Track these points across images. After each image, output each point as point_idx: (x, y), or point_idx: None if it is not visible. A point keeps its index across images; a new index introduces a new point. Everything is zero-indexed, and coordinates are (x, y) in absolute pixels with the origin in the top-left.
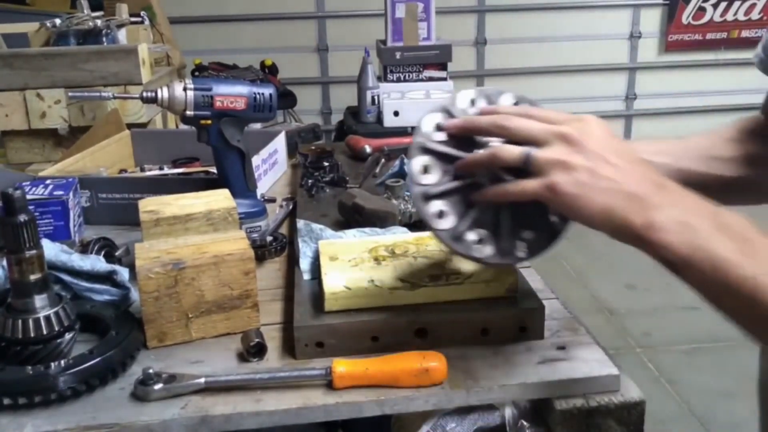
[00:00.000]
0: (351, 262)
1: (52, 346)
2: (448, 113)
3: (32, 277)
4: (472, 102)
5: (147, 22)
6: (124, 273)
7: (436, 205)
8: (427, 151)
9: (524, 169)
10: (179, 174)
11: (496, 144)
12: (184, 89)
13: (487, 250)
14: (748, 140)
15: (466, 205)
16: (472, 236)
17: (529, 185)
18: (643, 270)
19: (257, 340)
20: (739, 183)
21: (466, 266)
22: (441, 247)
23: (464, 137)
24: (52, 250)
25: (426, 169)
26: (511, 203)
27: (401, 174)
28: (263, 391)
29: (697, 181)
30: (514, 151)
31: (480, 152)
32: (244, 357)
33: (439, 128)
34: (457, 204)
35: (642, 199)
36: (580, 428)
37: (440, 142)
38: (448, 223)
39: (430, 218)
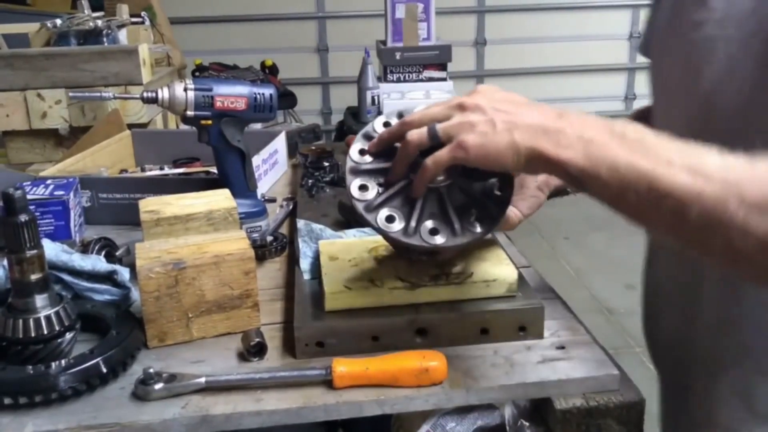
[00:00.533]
0: (351, 262)
1: (52, 345)
2: (369, 137)
3: (33, 277)
4: (386, 124)
5: (147, 22)
6: (124, 273)
7: (383, 213)
8: (359, 173)
9: (437, 144)
10: (180, 174)
11: None
12: (185, 89)
13: (441, 238)
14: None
15: (410, 204)
16: (424, 229)
17: (441, 153)
18: None
19: (257, 339)
20: None
21: (466, 266)
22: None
23: (388, 152)
24: (52, 249)
25: (363, 188)
26: (451, 188)
27: None
28: (263, 391)
29: None
30: (420, 132)
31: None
32: (244, 357)
33: (362, 152)
34: (401, 206)
35: (543, 126)
36: (579, 428)
37: (369, 163)
38: (398, 225)
39: (382, 226)
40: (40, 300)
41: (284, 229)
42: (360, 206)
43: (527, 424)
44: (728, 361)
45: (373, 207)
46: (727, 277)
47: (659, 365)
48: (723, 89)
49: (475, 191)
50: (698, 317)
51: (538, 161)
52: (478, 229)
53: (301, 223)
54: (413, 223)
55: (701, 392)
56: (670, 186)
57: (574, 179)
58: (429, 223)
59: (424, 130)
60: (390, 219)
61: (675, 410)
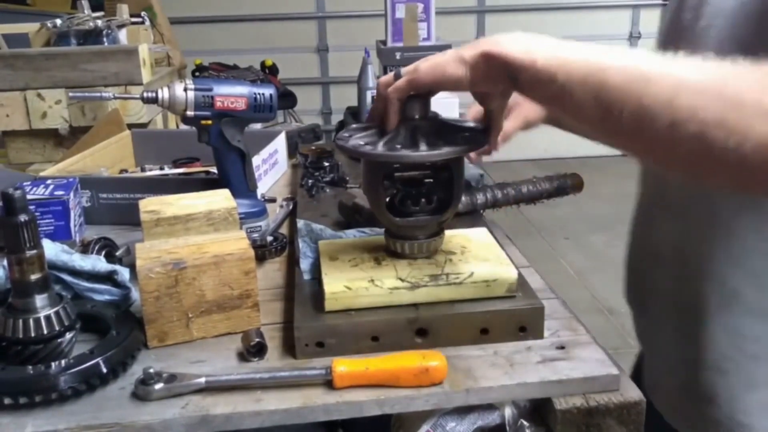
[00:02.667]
0: (351, 262)
1: (52, 345)
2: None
3: (33, 277)
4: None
5: (147, 22)
6: (124, 273)
7: (354, 140)
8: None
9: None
10: (180, 174)
11: None
12: (185, 89)
13: (406, 151)
14: None
15: (383, 134)
16: (391, 148)
17: (400, 81)
18: None
19: (257, 339)
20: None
21: (466, 266)
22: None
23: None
24: (52, 249)
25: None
26: (424, 124)
27: None
28: (263, 391)
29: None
30: (387, 76)
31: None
32: (244, 357)
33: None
34: (373, 136)
35: (491, 38)
36: (579, 428)
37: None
38: (369, 146)
39: (357, 147)
40: (40, 300)
41: (284, 229)
42: (337, 141)
43: (527, 424)
44: (716, 306)
45: (347, 138)
46: (718, 226)
47: (644, 314)
48: None
49: (449, 129)
50: (688, 267)
51: (480, 62)
52: (444, 149)
53: (301, 223)
54: (381, 144)
55: (691, 334)
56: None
57: (514, 76)
58: (397, 145)
59: (390, 74)
60: (364, 143)
61: (661, 350)
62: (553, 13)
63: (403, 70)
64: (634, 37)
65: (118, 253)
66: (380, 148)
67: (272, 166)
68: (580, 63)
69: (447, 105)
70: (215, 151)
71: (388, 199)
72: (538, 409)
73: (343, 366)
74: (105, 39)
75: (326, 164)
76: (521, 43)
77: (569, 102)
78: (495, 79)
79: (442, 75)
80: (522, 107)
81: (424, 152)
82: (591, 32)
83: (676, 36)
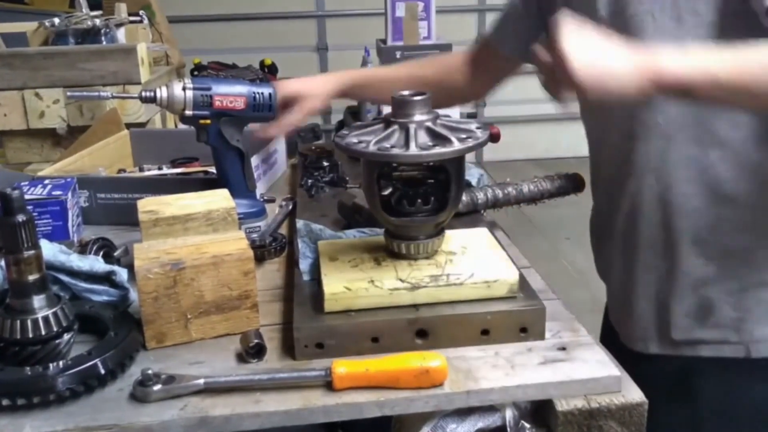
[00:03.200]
0: (351, 263)
1: (50, 346)
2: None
3: (31, 278)
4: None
5: (146, 21)
6: (122, 273)
7: (352, 136)
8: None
9: None
10: (178, 174)
11: None
12: (183, 89)
13: (397, 150)
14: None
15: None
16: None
17: (565, 73)
18: None
19: (257, 340)
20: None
21: (467, 267)
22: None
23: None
24: (50, 250)
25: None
26: (421, 128)
27: None
28: (263, 392)
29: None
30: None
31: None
32: (243, 358)
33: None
34: (370, 135)
35: (666, 60)
36: (581, 429)
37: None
38: (362, 144)
39: (350, 145)
40: (37, 301)
41: (284, 230)
42: (335, 138)
43: (528, 425)
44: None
45: (344, 135)
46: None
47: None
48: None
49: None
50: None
51: (647, 86)
52: (435, 150)
53: (300, 224)
54: (373, 143)
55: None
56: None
57: (687, 92)
58: (389, 145)
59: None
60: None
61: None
62: None
63: (561, 37)
64: None
65: (116, 254)
66: (372, 147)
67: (271, 166)
68: (728, 69)
69: None
70: (214, 150)
71: (385, 199)
72: (539, 411)
73: (343, 367)
74: (103, 38)
75: (326, 164)
76: (682, 61)
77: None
78: (662, 95)
79: (604, 91)
80: (306, 100)
81: (414, 152)
82: None
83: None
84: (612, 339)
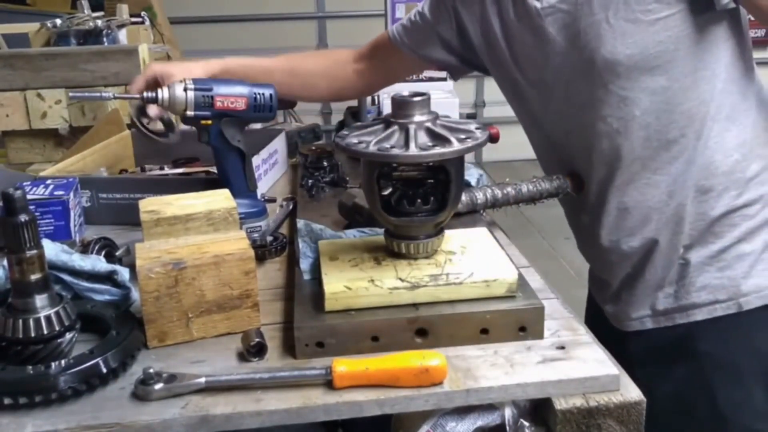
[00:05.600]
0: (351, 262)
1: (52, 345)
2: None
3: (33, 277)
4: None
5: (147, 22)
6: (124, 273)
7: (353, 137)
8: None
9: None
10: (179, 174)
11: None
12: (185, 89)
13: (397, 150)
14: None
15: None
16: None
17: None
18: None
19: (257, 339)
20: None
21: (466, 266)
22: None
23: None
24: (52, 250)
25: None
26: (421, 128)
27: None
28: (263, 391)
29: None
30: None
31: None
32: (244, 357)
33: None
34: (371, 135)
35: None
36: (579, 428)
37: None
38: (362, 145)
39: (350, 145)
40: (39, 300)
41: (284, 229)
42: (336, 139)
43: (527, 424)
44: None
45: (344, 135)
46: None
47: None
48: (618, 50)
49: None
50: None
51: None
52: (435, 150)
53: (301, 223)
54: (373, 143)
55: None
56: None
57: None
58: (389, 145)
59: None
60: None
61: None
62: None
63: None
64: None
65: (117, 253)
66: (372, 147)
67: (272, 166)
68: None
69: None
70: (215, 151)
71: (385, 199)
72: (538, 409)
73: (343, 366)
74: (105, 39)
75: (326, 164)
76: None
77: None
78: None
79: None
80: (166, 81)
81: (414, 152)
82: None
83: (525, 34)
84: (599, 321)
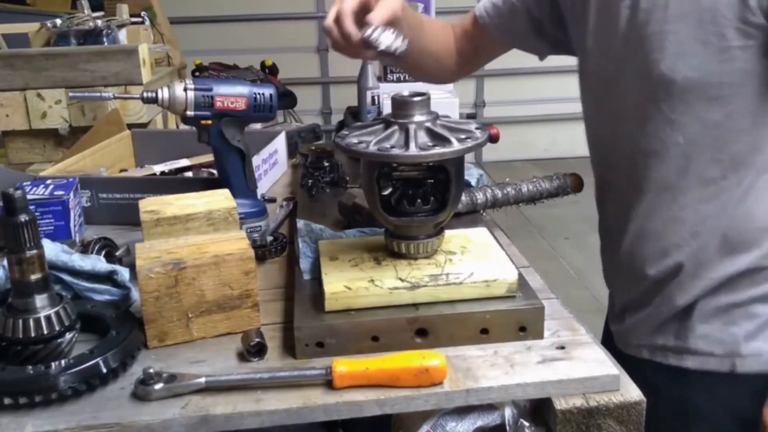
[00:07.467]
0: (351, 262)
1: (52, 345)
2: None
3: (33, 277)
4: None
5: (147, 22)
6: (124, 273)
7: (353, 137)
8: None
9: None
10: (181, 168)
11: None
12: (185, 89)
13: (397, 150)
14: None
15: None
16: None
17: None
18: None
19: (257, 339)
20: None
21: (467, 266)
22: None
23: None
24: (52, 250)
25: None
26: (421, 128)
27: None
28: (263, 391)
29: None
30: None
31: None
32: (244, 357)
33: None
34: (371, 135)
35: None
36: (579, 428)
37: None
38: (363, 144)
39: (350, 145)
40: (39, 300)
41: (284, 229)
42: (336, 139)
43: (527, 424)
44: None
45: (344, 135)
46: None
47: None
48: (678, 68)
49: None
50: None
51: None
52: (435, 150)
53: (301, 223)
54: (373, 143)
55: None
56: None
57: None
58: (389, 145)
59: None
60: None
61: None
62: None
63: None
64: None
65: (117, 253)
66: (372, 147)
67: (272, 166)
68: None
69: (447, 105)
70: (215, 151)
71: (385, 199)
72: (538, 409)
73: (343, 366)
74: (105, 39)
75: (326, 164)
76: None
77: None
78: None
79: None
80: None
81: (414, 152)
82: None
83: (608, 39)
84: (609, 343)
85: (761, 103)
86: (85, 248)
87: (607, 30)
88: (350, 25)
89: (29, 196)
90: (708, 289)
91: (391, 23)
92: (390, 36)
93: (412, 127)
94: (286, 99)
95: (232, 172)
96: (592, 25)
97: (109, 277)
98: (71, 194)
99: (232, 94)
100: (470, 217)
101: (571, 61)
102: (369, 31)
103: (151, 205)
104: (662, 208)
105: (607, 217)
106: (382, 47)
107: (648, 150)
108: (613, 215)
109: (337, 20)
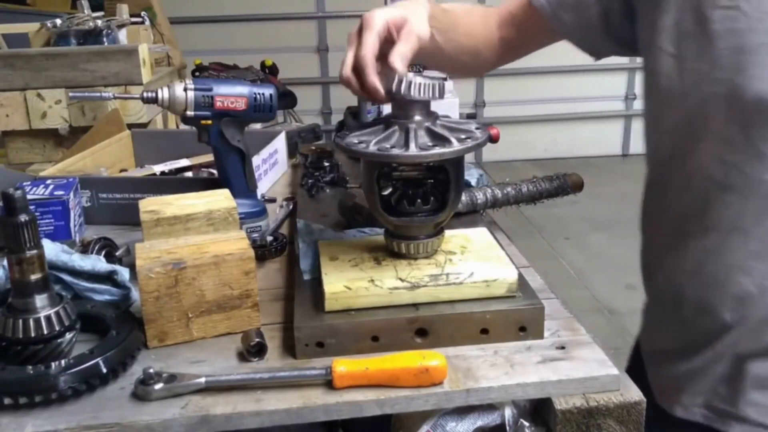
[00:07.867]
0: (351, 262)
1: (52, 345)
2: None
3: (33, 277)
4: None
5: (147, 22)
6: (124, 273)
7: (353, 136)
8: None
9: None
10: (182, 168)
11: None
12: (185, 89)
13: (397, 150)
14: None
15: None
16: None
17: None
18: None
19: (258, 339)
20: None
21: (466, 266)
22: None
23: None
24: (52, 250)
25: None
26: (421, 128)
27: None
28: (263, 391)
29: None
30: None
31: None
32: (244, 357)
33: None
34: (371, 135)
35: None
36: (579, 428)
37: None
38: (363, 144)
39: (350, 145)
40: (39, 300)
41: (284, 229)
42: (336, 139)
43: (527, 424)
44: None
45: (344, 135)
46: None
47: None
48: None
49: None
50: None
51: None
52: (435, 150)
53: (301, 224)
54: (373, 143)
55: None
56: None
57: None
58: (389, 145)
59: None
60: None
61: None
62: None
63: None
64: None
65: (117, 253)
66: (372, 147)
67: (272, 166)
68: None
69: (447, 105)
70: (215, 151)
71: (385, 199)
72: (538, 409)
73: (343, 366)
74: (105, 39)
75: (326, 164)
76: None
77: None
78: None
79: None
80: (411, 24)
81: (414, 153)
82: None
83: (698, 47)
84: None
85: None
86: (85, 248)
87: (689, 33)
88: (373, 77)
89: (29, 196)
90: (765, 351)
91: (419, 50)
92: (422, 87)
93: (412, 127)
94: (286, 99)
95: (232, 172)
96: (670, 23)
97: (109, 277)
98: (71, 194)
99: (232, 94)
100: (470, 217)
101: (571, 61)
102: (397, 86)
103: (151, 205)
104: (726, 252)
105: (652, 242)
106: (416, 99)
107: (724, 183)
108: (659, 245)
109: (356, 70)
